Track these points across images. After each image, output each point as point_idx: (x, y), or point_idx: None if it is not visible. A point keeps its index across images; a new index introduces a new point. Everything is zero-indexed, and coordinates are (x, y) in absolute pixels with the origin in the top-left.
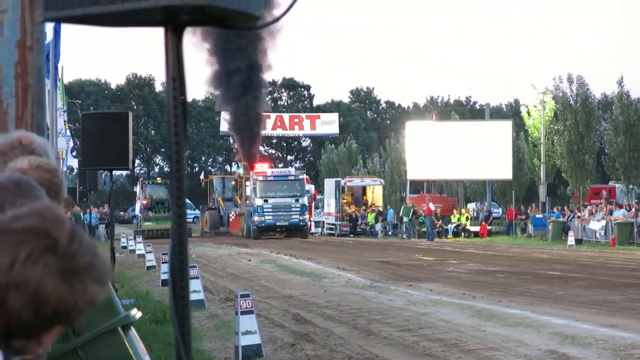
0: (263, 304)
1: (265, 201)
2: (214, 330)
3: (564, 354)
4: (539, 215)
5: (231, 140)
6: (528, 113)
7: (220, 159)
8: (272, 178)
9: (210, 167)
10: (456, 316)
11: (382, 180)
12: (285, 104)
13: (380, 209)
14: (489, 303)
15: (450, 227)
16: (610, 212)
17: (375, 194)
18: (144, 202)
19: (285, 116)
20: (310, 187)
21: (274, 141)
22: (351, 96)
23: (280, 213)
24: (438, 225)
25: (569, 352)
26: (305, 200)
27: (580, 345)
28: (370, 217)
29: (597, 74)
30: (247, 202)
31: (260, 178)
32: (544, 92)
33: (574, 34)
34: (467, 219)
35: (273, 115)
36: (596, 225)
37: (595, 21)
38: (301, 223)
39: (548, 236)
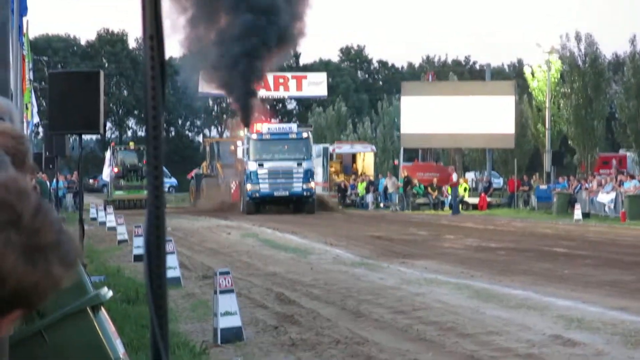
0: (244, 282)
1: (260, 165)
2: (190, 311)
3: (570, 340)
4: (543, 187)
5: (210, 102)
6: (532, 74)
7: (199, 122)
8: (268, 136)
9: (187, 131)
10: (453, 297)
11: (373, 147)
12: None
13: (372, 178)
14: (488, 282)
15: (447, 199)
16: (621, 184)
17: (366, 162)
18: (115, 169)
19: (269, 76)
20: (316, 148)
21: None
22: (341, 55)
23: (278, 180)
24: (435, 196)
25: (575, 337)
26: (310, 164)
27: (588, 329)
28: (361, 187)
29: (607, 31)
30: (240, 168)
31: (254, 137)
32: (549, 52)
33: None
34: (465, 190)
35: None
36: (605, 197)
37: None
38: (305, 193)
39: (553, 209)
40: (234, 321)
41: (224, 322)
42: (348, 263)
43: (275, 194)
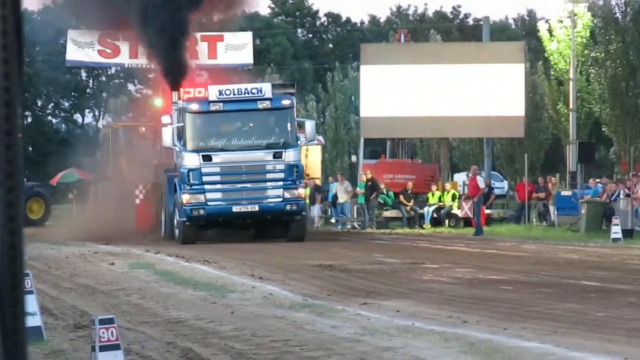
0: (135, 334)
1: (207, 158)
2: None
3: None
4: (567, 193)
5: (84, 75)
6: (550, 32)
7: (67, 104)
8: (219, 106)
9: (50, 116)
10: (438, 352)
11: (321, 138)
12: None
13: (319, 181)
14: (489, 331)
15: (428, 210)
16: None
17: (311, 158)
18: None
19: None
20: (309, 126)
21: (152, 76)
22: (273, 6)
23: (240, 185)
24: (409, 208)
25: None
26: (297, 155)
27: None
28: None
29: None
30: (171, 163)
31: (194, 106)
32: (574, 0)
33: None
34: (453, 198)
35: None
36: None
37: None
38: (287, 207)
39: (580, 225)
40: None
41: None
42: (285, 305)
43: (235, 209)
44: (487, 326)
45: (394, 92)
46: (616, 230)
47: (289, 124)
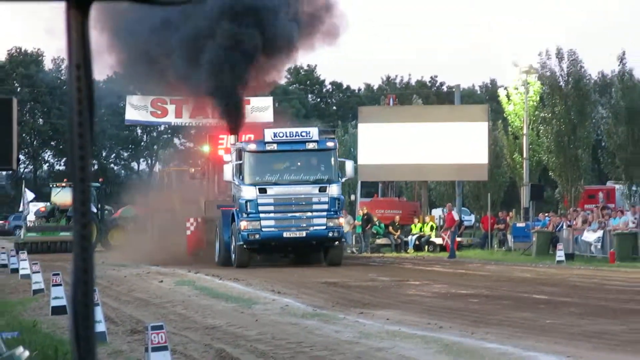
0: (179, 337)
1: (263, 191)
2: None
3: None
4: (521, 224)
5: (139, 131)
6: (508, 97)
7: (126, 154)
8: (274, 146)
9: (112, 164)
10: (420, 352)
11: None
12: None
13: None
14: (460, 335)
15: (411, 238)
16: (608, 220)
17: None
18: (42, 208)
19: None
20: (349, 165)
21: (193, 132)
22: (288, 76)
23: (291, 214)
24: (396, 236)
25: None
26: (339, 190)
27: None
28: None
29: (593, 48)
30: (227, 195)
31: (252, 147)
32: (527, 71)
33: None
34: (431, 228)
35: (192, 100)
36: (591, 236)
37: None
38: (330, 234)
39: (532, 250)
40: None
41: None
42: (298, 314)
43: (285, 234)
44: (459, 331)
45: (385, 144)
46: (560, 254)
47: (332, 163)
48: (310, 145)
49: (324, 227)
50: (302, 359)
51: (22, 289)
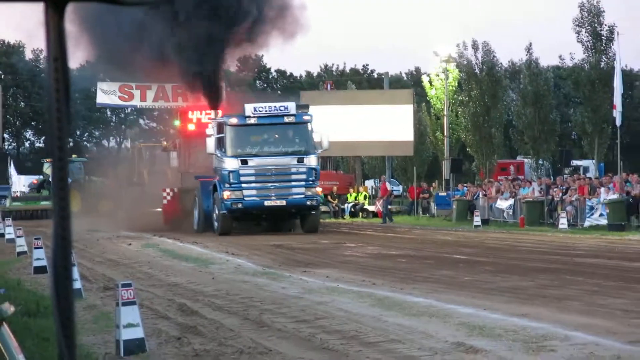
0: (146, 293)
1: (244, 163)
2: (92, 323)
3: (472, 347)
4: (443, 194)
5: (109, 113)
6: (430, 83)
7: (97, 133)
8: (254, 120)
9: (85, 142)
10: (355, 305)
11: None
12: None
13: None
14: (390, 290)
15: (347, 206)
16: (518, 190)
17: None
18: (34, 181)
19: (168, 87)
20: (324, 139)
21: (156, 114)
22: (238, 64)
23: (271, 184)
24: (334, 204)
25: (478, 344)
26: (315, 160)
27: (489, 336)
28: None
29: (504, 40)
30: (197, 167)
31: (234, 120)
32: (446, 60)
33: None
34: (365, 197)
35: (154, 86)
36: (504, 204)
37: None
38: (308, 202)
39: (452, 216)
40: (137, 333)
41: (127, 334)
42: (250, 272)
43: (267, 203)
44: (389, 287)
45: (324, 124)
46: (477, 220)
47: (308, 135)
48: (288, 119)
49: (303, 196)
50: (253, 312)
51: (8, 251)
